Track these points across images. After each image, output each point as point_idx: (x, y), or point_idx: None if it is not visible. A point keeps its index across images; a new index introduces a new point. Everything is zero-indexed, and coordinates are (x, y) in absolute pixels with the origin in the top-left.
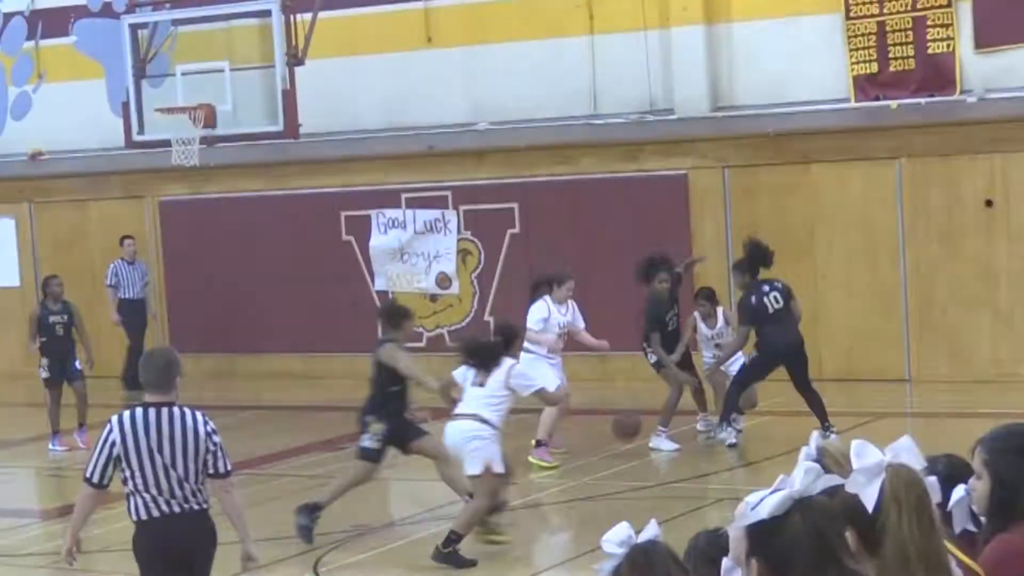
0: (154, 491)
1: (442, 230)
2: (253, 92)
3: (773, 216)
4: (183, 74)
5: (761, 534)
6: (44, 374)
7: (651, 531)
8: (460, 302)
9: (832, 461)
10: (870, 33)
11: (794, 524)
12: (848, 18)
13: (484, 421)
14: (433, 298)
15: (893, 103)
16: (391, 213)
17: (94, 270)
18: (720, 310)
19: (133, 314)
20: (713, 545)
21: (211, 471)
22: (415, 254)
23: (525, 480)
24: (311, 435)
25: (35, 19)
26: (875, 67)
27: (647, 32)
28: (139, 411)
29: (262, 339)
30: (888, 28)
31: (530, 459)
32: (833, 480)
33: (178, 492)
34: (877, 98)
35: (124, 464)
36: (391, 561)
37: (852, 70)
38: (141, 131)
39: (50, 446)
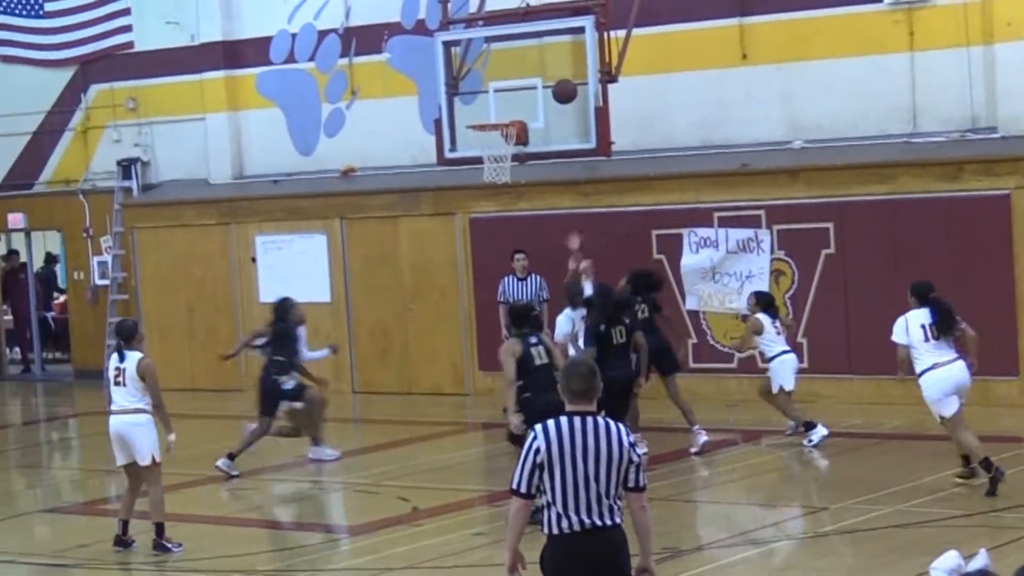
0: (572, 503)
1: (755, 250)
2: (565, 109)
3: None
4: (495, 91)
5: None
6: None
7: (981, 560)
8: None
9: None
10: None
11: None
12: None
13: None
14: (745, 319)
15: None
16: (703, 232)
17: (403, 286)
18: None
19: None
20: None
21: (630, 484)
22: (727, 274)
23: (840, 505)
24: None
25: (349, 36)
26: None
27: (969, 48)
28: (563, 420)
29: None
30: None
31: None
32: None
33: (598, 505)
34: None
35: (545, 474)
36: None
37: None
38: (453, 148)
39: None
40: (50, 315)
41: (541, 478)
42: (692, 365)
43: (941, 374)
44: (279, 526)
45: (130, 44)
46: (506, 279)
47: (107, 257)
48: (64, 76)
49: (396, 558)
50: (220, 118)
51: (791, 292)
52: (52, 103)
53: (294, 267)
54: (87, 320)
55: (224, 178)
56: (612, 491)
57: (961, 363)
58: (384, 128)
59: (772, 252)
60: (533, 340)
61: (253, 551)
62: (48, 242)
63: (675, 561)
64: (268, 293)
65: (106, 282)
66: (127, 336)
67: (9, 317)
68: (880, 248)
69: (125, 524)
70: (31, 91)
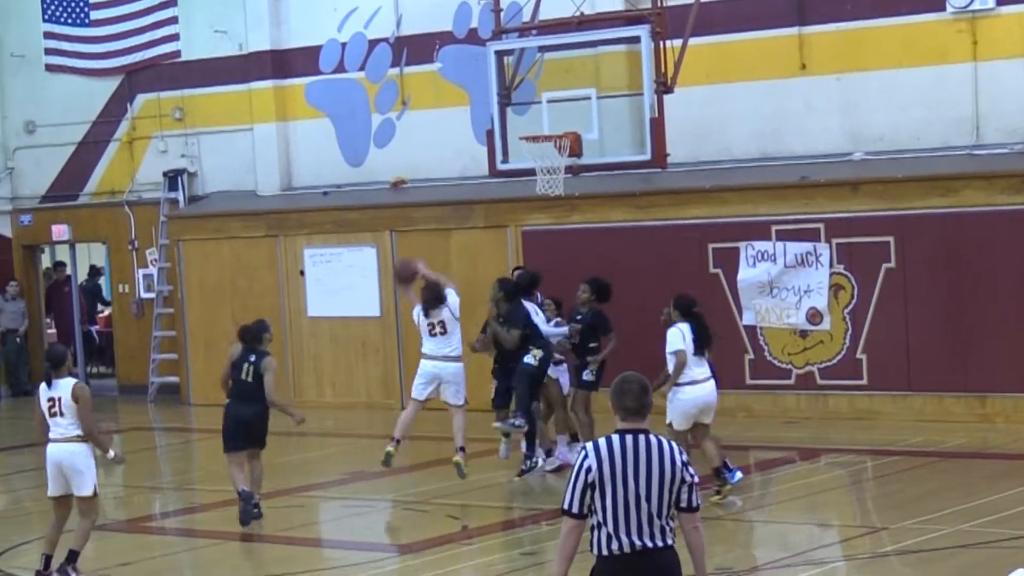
0: (623, 524)
1: (814, 264)
2: (620, 120)
3: None
4: (549, 102)
5: None
6: None
7: None
8: (831, 339)
9: None
10: None
11: None
12: None
13: None
14: (803, 334)
15: None
16: (760, 245)
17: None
18: None
19: None
20: None
21: (683, 504)
22: (785, 288)
23: (899, 525)
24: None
25: (400, 45)
26: None
27: None
28: (615, 437)
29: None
30: None
31: None
32: None
33: (648, 526)
34: None
35: (597, 493)
36: None
37: None
38: (505, 159)
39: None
40: (94, 328)
41: (592, 497)
42: (749, 381)
43: (696, 391)
44: (325, 545)
45: (177, 53)
46: None
47: (152, 270)
48: (110, 85)
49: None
50: (268, 128)
51: (850, 307)
52: (98, 113)
53: (343, 280)
54: (132, 334)
55: (272, 189)
56: (664, 511)
57: (712, 383)
58: (435, 139)
59: (831, 266)
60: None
61: (298, 570)
62: (93, 254)
63: None
64: (316, 307)
65: (151, 295)
66: (57, 362)
67: (53, 330)
68: (942, 262)
69: (48, 559)
70: (77, 101)
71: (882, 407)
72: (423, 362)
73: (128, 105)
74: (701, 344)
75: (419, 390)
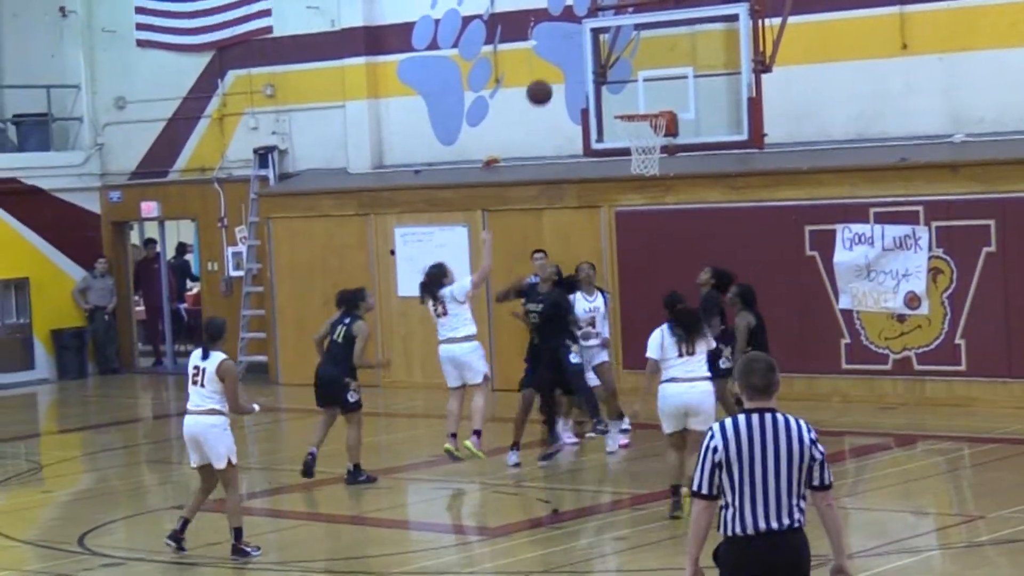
0: (749, 504)
1: (912, 247)
2: (717, 100)
3: None
4: (645, 80)
5: None
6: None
7: None
8: (930, 323)
9: None
10: None
11: None
12: None
13: None
14: (901, 318)
15: None
16: (858, 228)
17: None
18: None
19: None
20: None
21: (815, 482)
22: (883, 272)
23: (996, 514)
24: None
25: (494, 22)
26: None
27: None
28: (742, 417)
29: None
30: None
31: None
32: None
33: (776, 507)
34: None
35: (725, 474)
36: None
37: None
38: (600, 139)
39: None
40: (182, 307)
41: (721, 478)
42: (844, 366)
43: (673, 390)
44: (413, 527)
45: (269, 29)
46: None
47: (242, 248)
48: (201, 61)
49: (534, 562)
50: (360, 106)
51: (949, 292)
52: (188, 89)
53: (434, 260)
54: (220, 312)
55: (363, 168)
56: (794, 491)
57: (700, 384)
58: (528, 117)
59: (930, 250)
60: None
61: (387, 552)
62: (181, 231)
63: (825, 569)
64: (407, 287)
65: (240, 273)
66: (214, 335)
67: (141, 308)
68: None
69: (185, 523)
70: (167, 77)
71: (980, 393)
72: (439, 349)
73: (219, 81)
74: (688, 341)
75: (448, 379)
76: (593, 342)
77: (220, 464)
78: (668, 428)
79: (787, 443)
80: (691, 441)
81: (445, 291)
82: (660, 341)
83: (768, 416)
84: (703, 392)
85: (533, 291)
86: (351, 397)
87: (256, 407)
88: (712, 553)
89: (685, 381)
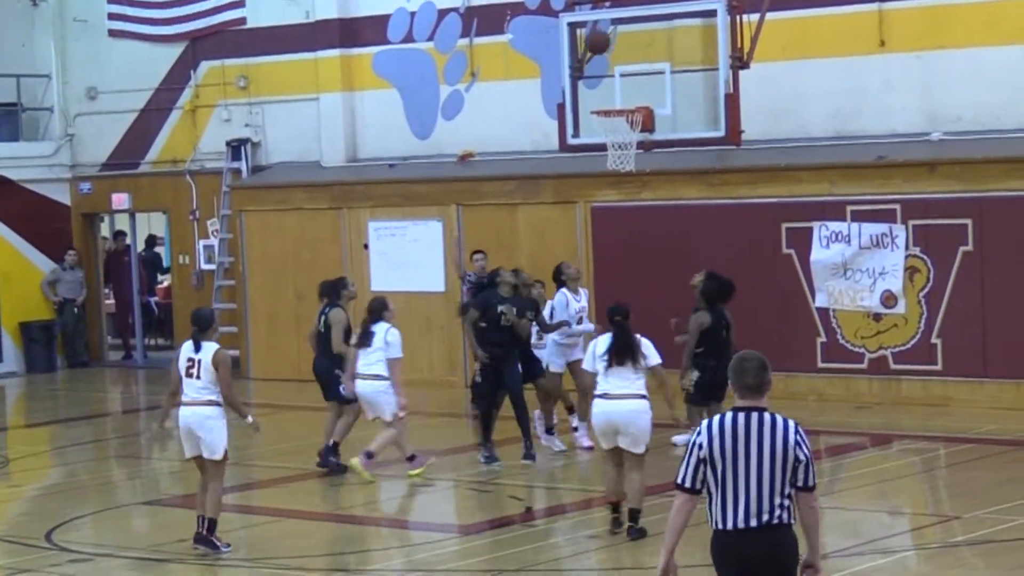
0: (732, 500)
1: (889, 245)
2: (694, 96)
3: None
4: (622, 75)
5: None
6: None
7: None
8: (906, 322)
9: None
10: None
11: None
12: None
13: None
14: (877, 317)
15: None
16: (835, 226)
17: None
18: None
19: None
20: None
21: (799, 483)
22: (859, 270)
23: (972, 514)
24: None
25: (471, 16)
26: None
27: None
28: (729, 415)
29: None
30: None
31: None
32: None
33: (756, 504)
34: None
35: (709, 469)
36: None
37: None
38: (576, 134)
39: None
40: (153, 300)
41: (705, 473)
42: (820, 365)
43: (603, 406)
44: (386, 524)
45: (242, 20)
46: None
47: (214, 241)
48: (174, 52)
49: (507, 560)
50: (334, 98)
51: (926, 291)
52: (160, 80)
53: (408, 255)
54: (192, 306)
55: (337, 161)
56: (778, 489)
57: (633, 403)
58: (504, 112)
59: (907, 248)
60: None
61: (358, 550)
62: (152, 224)
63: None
64: (380, 281)
65: (212, 267)
66: (205, 325)
67: (111, 301)
68: (1021, 246)
69: (203, 520)
70: (140, 68)
71: (957, 393)
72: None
73: (192, 72)
74: (621, 355)
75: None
76: (580, 333)
77: (216, 456)
78: (602, 444)
79: (771, 442)
80: (632, 464)
81: (381, 328)
82: (592, 354)
83: (755, 415)
84: (632, 411)
85: (489, 295)
86: (344, 390)
87: (251, 419)
88: (710, 544)
89: (616, 397)
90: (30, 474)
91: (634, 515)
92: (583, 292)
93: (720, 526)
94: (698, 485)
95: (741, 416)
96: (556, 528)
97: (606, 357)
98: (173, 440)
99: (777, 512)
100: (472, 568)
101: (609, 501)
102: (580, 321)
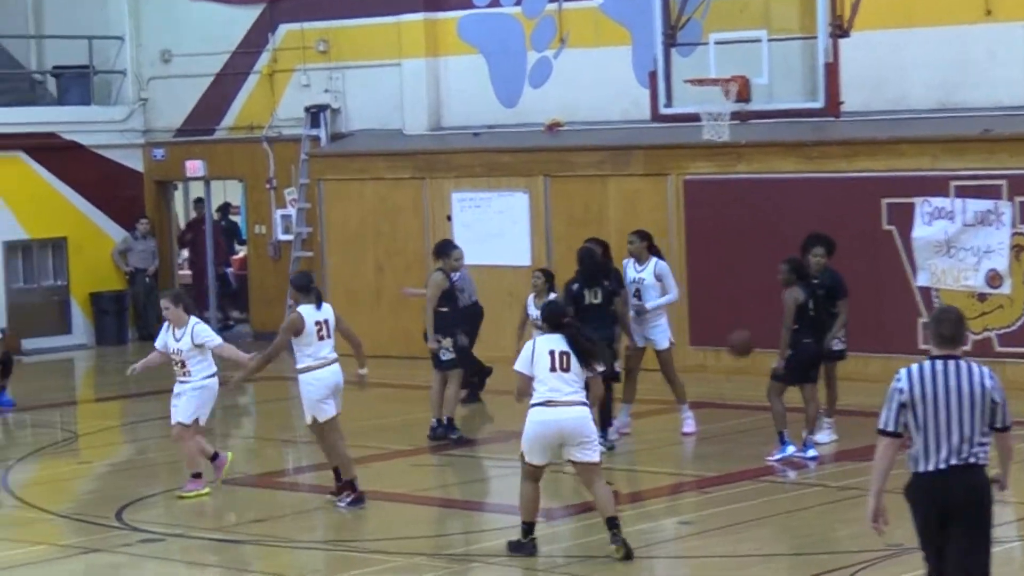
0: (933, 444)
1: (995, 223)
2: (792, 65)
3: None
4: (716, 43)
5: None
6: None
7: None
8: (1012, 303)
9: None
10: None
11: None
12: None
13: None
14: (982, 297)
15: None
16: (938, 202)
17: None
18: None
19: None
20: None
21: (996, 424)
22: (963, 248)
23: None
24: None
25: None
26: None
27: None
28: (927, 364)
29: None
30: None
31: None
32: None
33: (958, 445)
34: None
35: (911, 413)
36: None
37: None
38: (669, 103)
39: None
40: (229, 271)
41: (907, 417)
42: (921, 346)
43: (547, 415)
44: (470, 506)
45: None
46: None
47: (291, 210)
48: (251, 14)
49: (595, 546)
50: (417, 64)
51: None
52: (237, 43)
53: (492, 227)
54: (268, 277)
55: (420, 129)
56: (976, 431)
57: (576, 410)
58: (594, 80)
59: (1013, 226)
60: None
61: (441, 532)
62: (228, 192)
63: (897, 560)
64: (464, 254)
65: (289, 237)
66: (307, 287)
67: (185, 272)
68: None
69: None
70: (216, 30)
71: None
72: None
73: (269, 35)
74: (579, 359)
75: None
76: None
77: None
78: (534, 459)
79: (969, 386)
80: (588, 476)
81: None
82: (528, 355)
83: (952, 363)
84: (575, 419)
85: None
86: (443, 355)
87: (366, 370)
88: (904, 489)
89: (560, 405)
90: (100, 450)
91: (613, 523)
92: (653, 263)
93: (922, 468)
94: (900, 428)
95: (939, 364)
96: (645, 513)
97: (562, 359)
98: (249, 416)
99: (976, 451)
100: (556, 554)
101: (525, 521)
102: (637, 295)
